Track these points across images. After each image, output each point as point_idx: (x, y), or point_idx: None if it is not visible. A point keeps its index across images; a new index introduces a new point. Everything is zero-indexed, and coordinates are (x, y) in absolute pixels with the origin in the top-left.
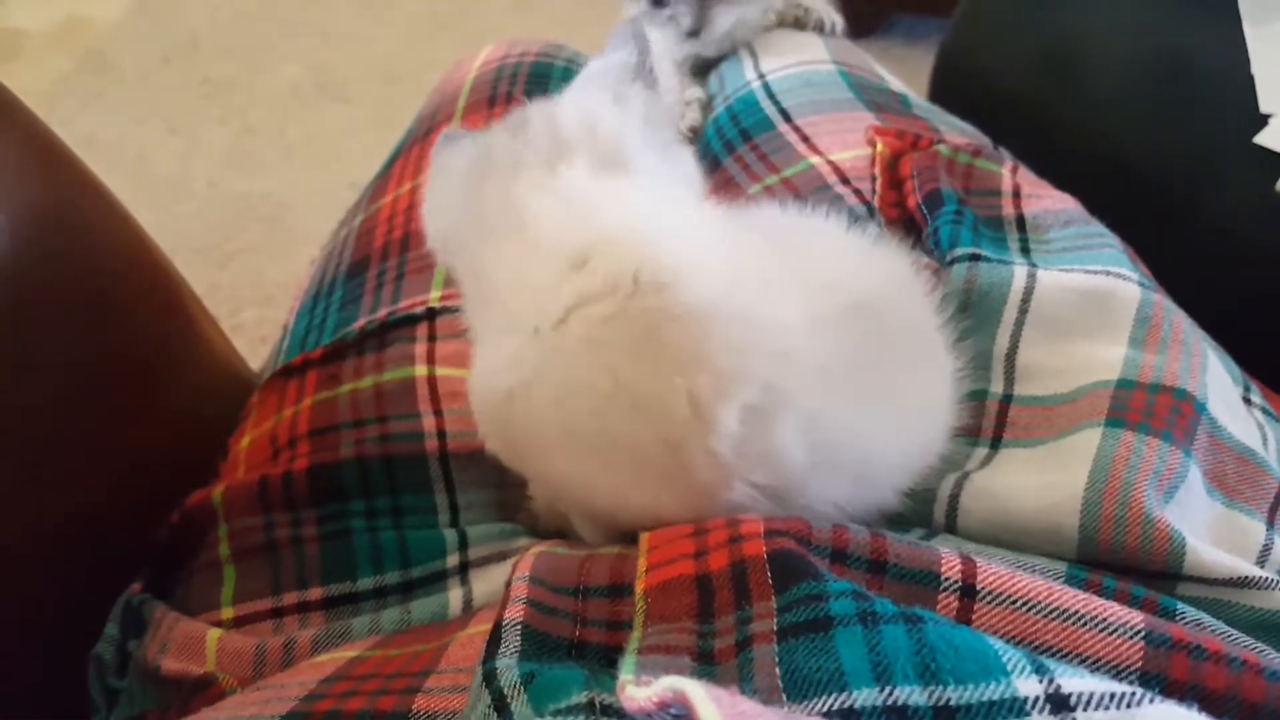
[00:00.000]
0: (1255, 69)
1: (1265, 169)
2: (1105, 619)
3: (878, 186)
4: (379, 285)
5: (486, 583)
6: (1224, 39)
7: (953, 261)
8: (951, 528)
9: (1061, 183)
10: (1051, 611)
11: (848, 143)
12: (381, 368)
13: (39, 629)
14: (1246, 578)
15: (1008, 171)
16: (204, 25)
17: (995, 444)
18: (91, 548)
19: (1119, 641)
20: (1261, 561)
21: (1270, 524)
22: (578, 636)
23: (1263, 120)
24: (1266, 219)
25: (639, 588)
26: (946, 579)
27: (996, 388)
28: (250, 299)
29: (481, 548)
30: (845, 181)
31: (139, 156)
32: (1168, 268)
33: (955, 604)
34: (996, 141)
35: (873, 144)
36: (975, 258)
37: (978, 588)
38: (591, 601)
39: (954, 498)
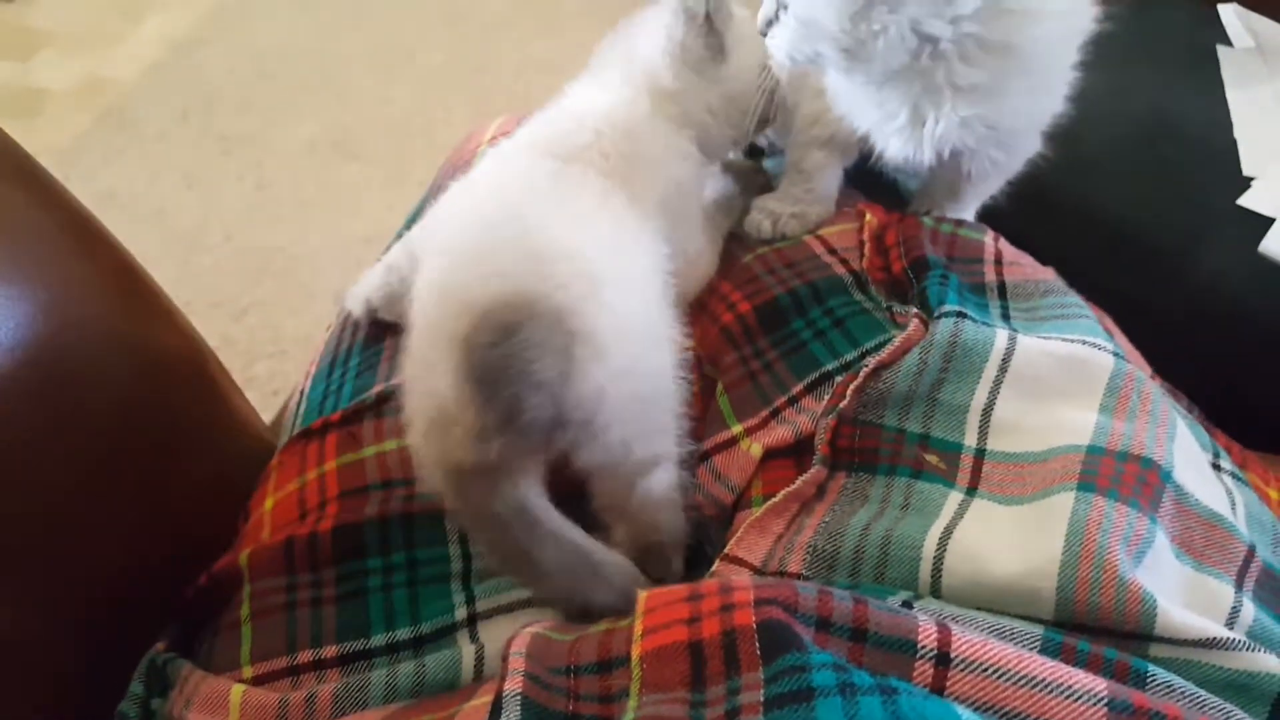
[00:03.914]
0: (1238, 133)
1: (1249, 230)
2: (1070, 686)
3: (865, 252)
4: (396, 353)
5: (495, 639)
6: (1209, 104)
7: (940, 316)
8: (936, 589)
9: (1052, 241)
10: (1020, 679)
11: (834, 219)
12: (404, 432)
13: (65, 686)
14: (1216, 639)
15: (990, 240)
16: (222, 84)
17: (970, 492)
18: (118, 606)
19: (1083, 708)
20: (1230, 623)
21: (1239, 587)
22: (572, 710)
23: (1246, 182)
24: (1251, 278)
25: (635, 652)
26: (923, 647)
27: (970, 441)
28: (264, 353)
29: (488, 601)
30: (832, 252)
31: (157, 212)
32: (1155, 324)
33: (931, 671)
34: (992, 204)
35: (861, 216)
36: (961, 315)
37: (952, 656)
38: (583, 679)
39: (939, 558)
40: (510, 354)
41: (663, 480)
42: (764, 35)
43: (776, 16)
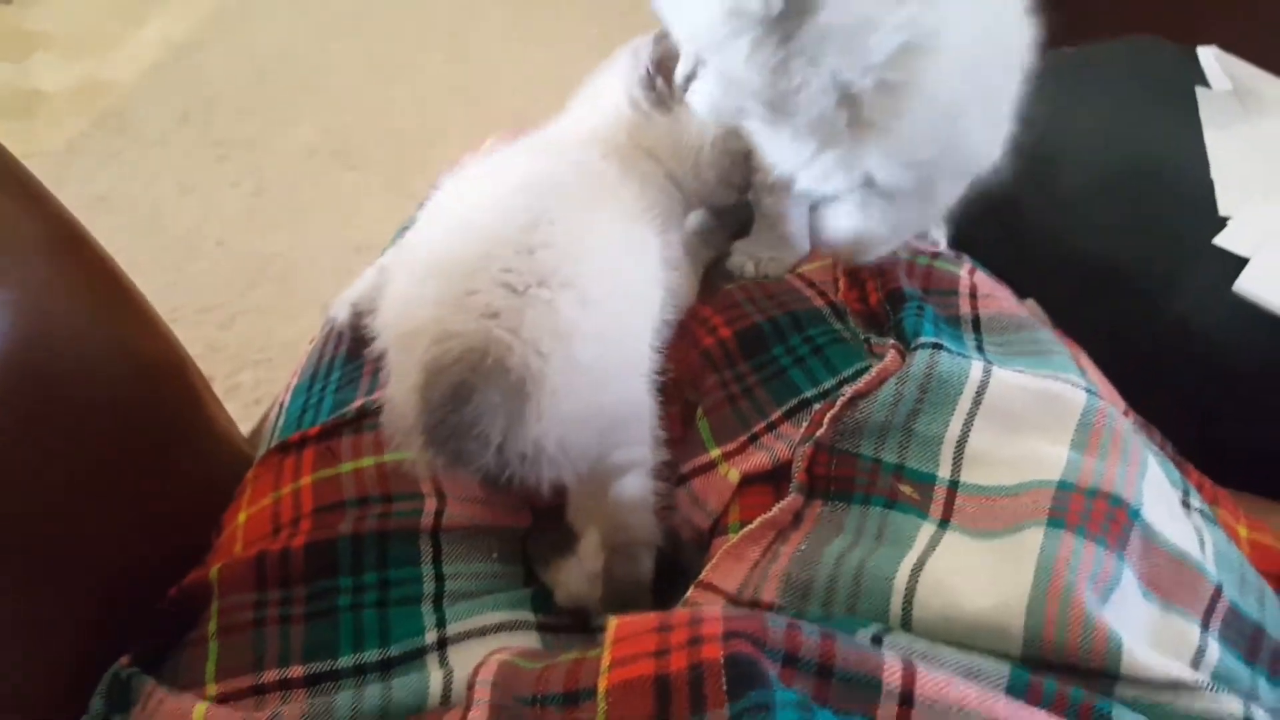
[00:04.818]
0: (1215, 173)
1: (1225, 269)
2: None
3: (840, 285)
4: (377, 369)
5: (465, 664)
6: (1187, 144)
7: (916, 348)
8: (907, 622)
9: (1035, 278)
10: None
11: (814, 256)
12: (382, 448)
13: (30, 699)
14: (1180, 680)
15: (965, 273)
16: (221, 89)
17: (943, 525)
18: (86, 617)
19: None
20: (1196, 664)
21: (1205, 627)
22: None
23: (1222, 222)
24: (1226, 316)
25: (601, 685)
26: (888, 686)
27: (944, 472)
28: (251, 360)
29: (459, 624)
30: (811, 285)
31: (151, 215)
32: (1132, 359)
33: (895, 710)
34: (974, 239)
35: None
36: (937, 346)
37: (915, 696)
38: (549, 710)
39: (910, 590)
40: (461, 418)
41: (634, 484)
42: (684, 91)
43: (695, 72)
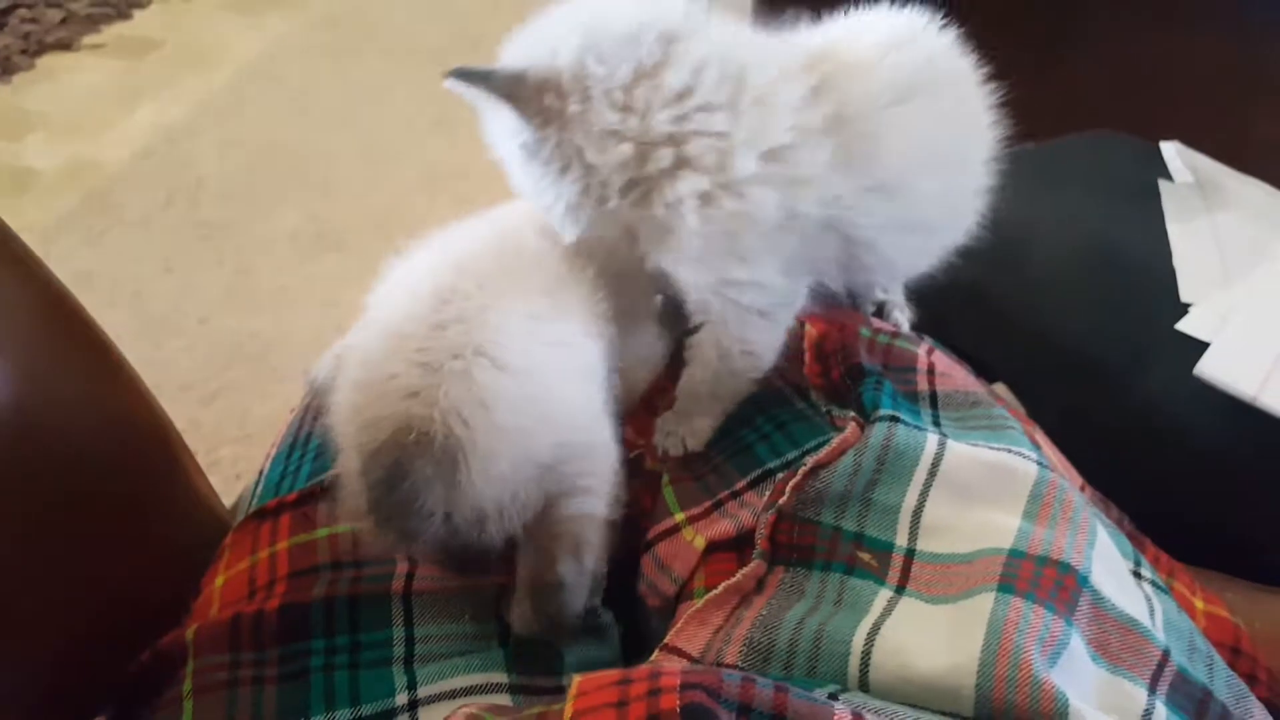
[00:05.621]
0: (1176, 262)
1: (1187, 353)
2: None
3: (805, 360)
4: None
5: None
6: (1150, 234)
7: (874, 420)
8: (865, 684)
9: (1004, 358)
10: None
11: None
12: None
13: None
14: None
15: (923, 352)
16: (209, 172)
17: (899, 590)
18: (69, 675)
19: None
20: None
21: (1152, 690)
22: None
23: (1184, 308)
24: (1187, 399)
25: None
26: None
27: (901, 541)
28: (230, 437)
29: (430, 686)
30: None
31: (134, 293)
32: (1099, 439)
33: None
34: (944, 319)
35: (801, 326)
36: (895, 419)
37: None
38: None
39: (867, 653)
40: (400, 496)
41: (584, 501)
42: None
43: None
